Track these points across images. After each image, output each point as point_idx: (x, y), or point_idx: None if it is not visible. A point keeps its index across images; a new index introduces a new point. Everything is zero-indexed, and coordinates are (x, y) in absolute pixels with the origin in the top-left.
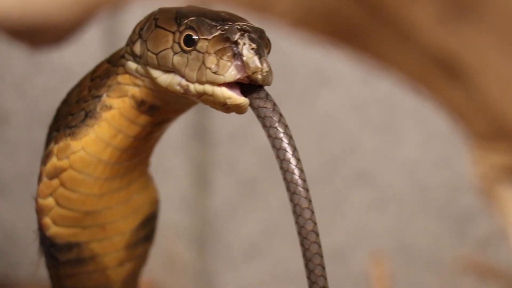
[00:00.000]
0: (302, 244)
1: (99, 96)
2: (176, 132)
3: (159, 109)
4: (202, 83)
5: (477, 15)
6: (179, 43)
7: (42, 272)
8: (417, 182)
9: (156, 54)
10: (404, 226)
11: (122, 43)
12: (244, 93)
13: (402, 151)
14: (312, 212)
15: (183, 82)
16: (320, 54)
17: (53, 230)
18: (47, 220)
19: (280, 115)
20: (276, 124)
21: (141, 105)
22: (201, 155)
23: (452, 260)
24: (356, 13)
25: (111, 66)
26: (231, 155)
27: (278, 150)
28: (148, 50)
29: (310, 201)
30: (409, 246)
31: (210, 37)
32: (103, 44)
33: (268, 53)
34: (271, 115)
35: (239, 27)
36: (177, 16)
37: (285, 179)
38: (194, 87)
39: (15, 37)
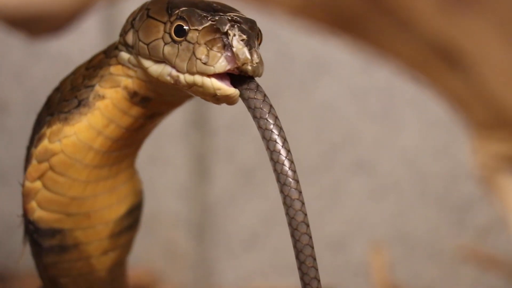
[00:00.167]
0: (292, 235)
1: (92, 86)
2: (175, 121)
3: (152, 101)
4: (192, 73)
5: (477, 3)
6: (170, 34)
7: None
8: (417, 171)
9: (147, 44)
10: (403, 215)
11: None
12: (235, 84)
13: (402, 140)
14: (303, 203)
15: (174, 72)
16: (319, 43)
17: (37, 214)
18: (33, 204)
19: (271, 106)
20: (266, 115)
21: (133, 96)
22: (200, 144)
23: (451, 249)
24: (355, 2)
25: (105, 56)
26: (230, 144)
27: (268, 141)
28: (140, 40)
29: (300, 192)
30: (409, 235)
31: (200, 27)
32: (102, 33)
33: (260, 44)
34: (261, 106)
35: (229, 18)
36: (168, 7)
37: (275, 170)
38: (184, 78)
39: (14, 26)
